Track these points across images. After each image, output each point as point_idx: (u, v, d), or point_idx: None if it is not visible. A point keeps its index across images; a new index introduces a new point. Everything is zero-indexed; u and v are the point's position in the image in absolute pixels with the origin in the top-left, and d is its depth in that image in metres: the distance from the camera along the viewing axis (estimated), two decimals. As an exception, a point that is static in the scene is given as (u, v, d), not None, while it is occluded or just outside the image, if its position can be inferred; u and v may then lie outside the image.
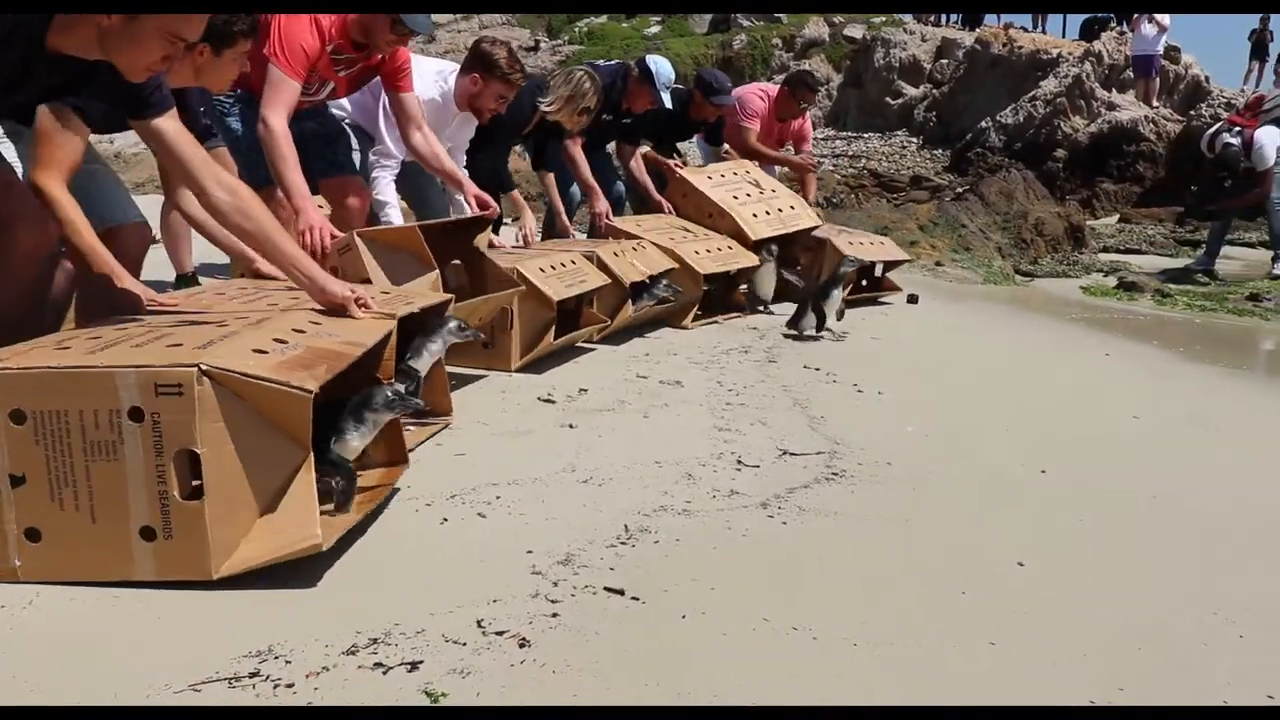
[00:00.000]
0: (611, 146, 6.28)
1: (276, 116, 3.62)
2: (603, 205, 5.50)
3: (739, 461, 3.15)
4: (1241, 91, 14.46)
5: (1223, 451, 3.67)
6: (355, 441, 2.34)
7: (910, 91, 18.78)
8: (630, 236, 5.28)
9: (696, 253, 5.34)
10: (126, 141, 13.96)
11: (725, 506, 2.76)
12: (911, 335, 5.55)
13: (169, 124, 2.62)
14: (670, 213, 5.95)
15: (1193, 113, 13.59)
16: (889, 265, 6.52)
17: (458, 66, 4.58)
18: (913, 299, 6.47)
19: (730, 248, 5.59)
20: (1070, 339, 5.89)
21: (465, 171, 4.49)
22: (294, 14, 3.72)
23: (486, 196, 4.22)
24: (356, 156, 4.45)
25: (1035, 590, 2.33)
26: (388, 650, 1.88)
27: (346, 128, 4.39)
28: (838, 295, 5.12)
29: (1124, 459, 3.46)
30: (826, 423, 3.62)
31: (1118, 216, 12.16)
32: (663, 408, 3.76)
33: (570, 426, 3.46)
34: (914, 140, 17.58)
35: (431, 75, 4.48)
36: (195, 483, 1.96)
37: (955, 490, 3.03)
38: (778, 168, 7.07)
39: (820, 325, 5.10)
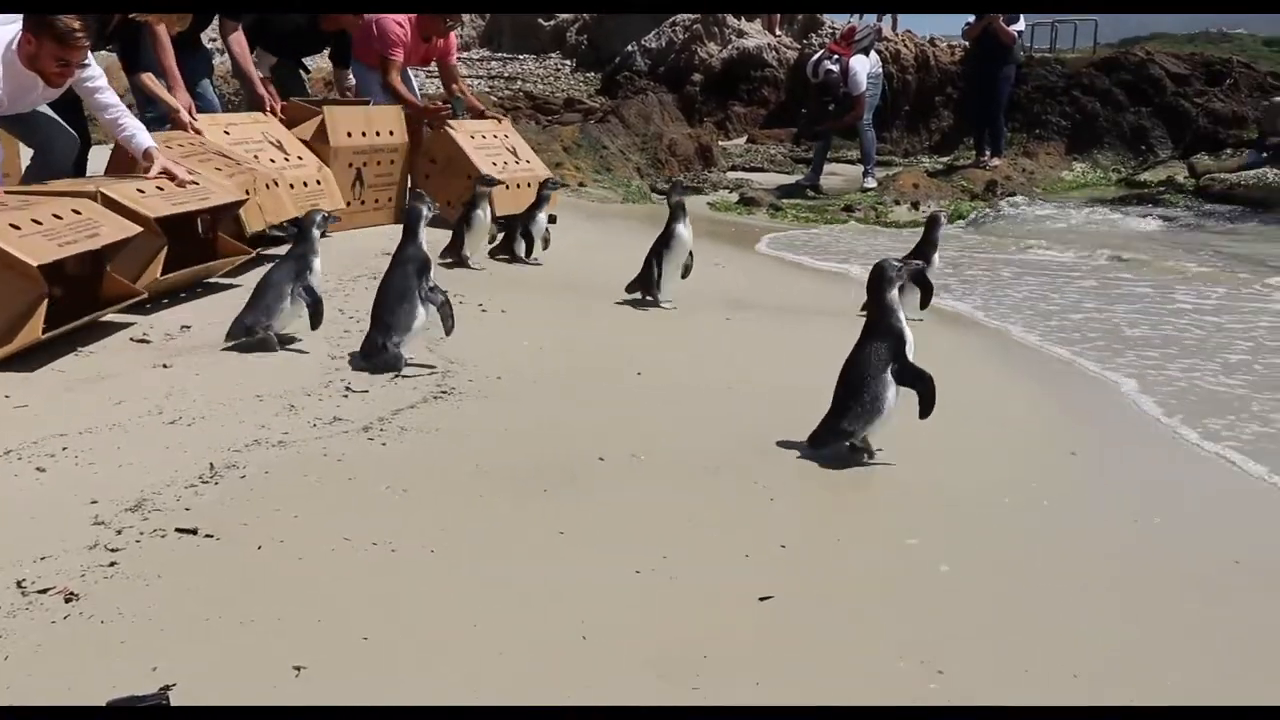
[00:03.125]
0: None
1: None
2: (184, 99, 4.98)
3: (348, 388, 3.12)
4: (848, 22, 16.08)
5: (792, 342, 4.19)
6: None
7: (562, 13, 18.95)
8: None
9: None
10: None
11: (325, 434, 2.73)
12: (547, 254, 5.72)
13: None
14: (274, 109, 5.54)
15: (805, 42, 14.95)
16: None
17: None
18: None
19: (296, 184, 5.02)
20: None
21: None
22: None
23: None
24: None
25: (610, 476, 2.55)
26: (-103, 628, 1.69)
27: None
28: (543, 220, 5.19)
29: (712, 355, 3.85)
30: (445, 342, 3.65)
31: (746, 137, 13.19)
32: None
33: (165, 366, 3.23)
34: (568, 63, 17.84)
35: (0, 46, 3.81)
36: None
37: (554, 395, 3.21)
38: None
39: (461, 246, 5.10)
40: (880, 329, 2.67)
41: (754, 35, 15.27)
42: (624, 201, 8.36)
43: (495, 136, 6.45)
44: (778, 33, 16.01)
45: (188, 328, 3.68)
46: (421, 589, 1.96)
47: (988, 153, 9.92)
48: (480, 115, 6.66)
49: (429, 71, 9.35)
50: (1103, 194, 9.54)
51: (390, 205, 6.02)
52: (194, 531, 2.10)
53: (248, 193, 4.51)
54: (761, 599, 1.97)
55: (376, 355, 3.28)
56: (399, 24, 6.34)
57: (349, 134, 5.76)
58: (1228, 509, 2.72)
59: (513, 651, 1.76)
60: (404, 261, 3.34)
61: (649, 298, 4.47)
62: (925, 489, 2.63)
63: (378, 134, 5.95)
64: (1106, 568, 2.24)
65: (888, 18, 16.78)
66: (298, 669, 1.65)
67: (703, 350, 3.94)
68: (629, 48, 16.27)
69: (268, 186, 4.75)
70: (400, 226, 5.45)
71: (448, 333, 3.36)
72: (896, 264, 2.73)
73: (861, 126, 9.47)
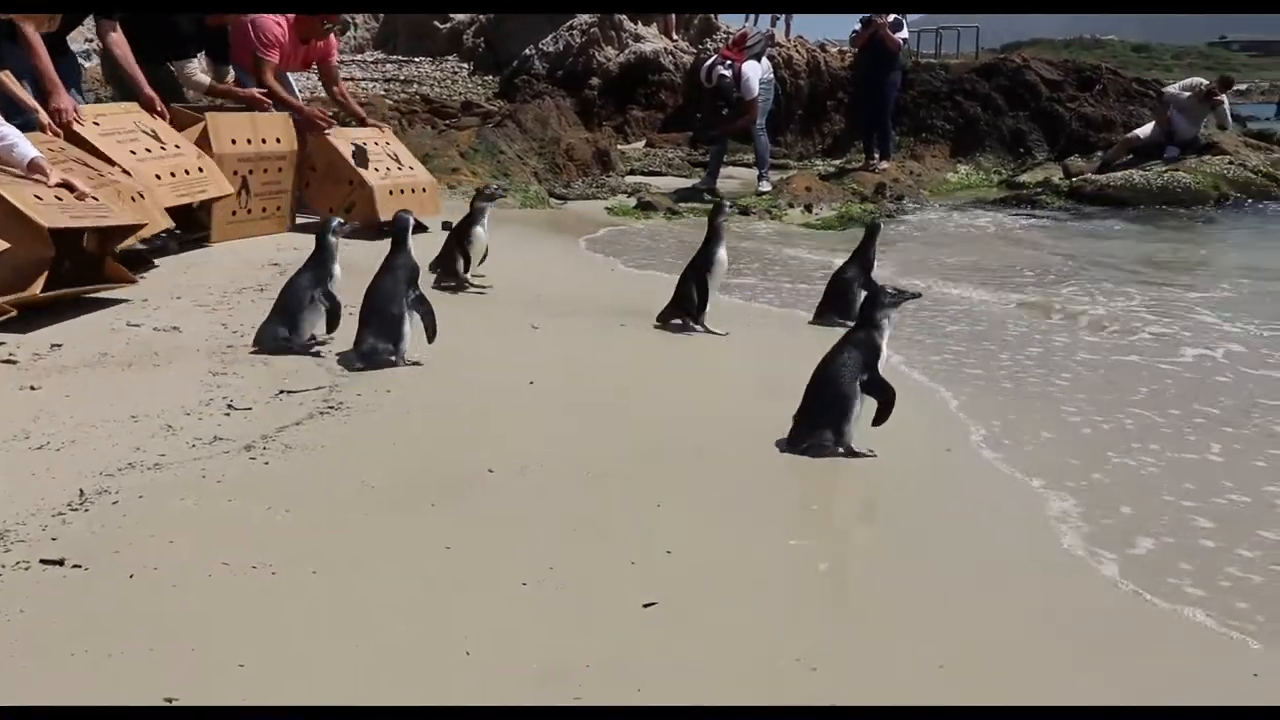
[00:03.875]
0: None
1: None
2: (66, 101, 4.74)
3: (230, 406, 3.04)
4: (741, 26, 16.34)
5: (677, 350, 4.25)
6: None
7: (458, 15, 18.75)
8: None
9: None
10: None
11: (204, 455, 2.66)
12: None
13: None
14: (161, 112, 5.33)
15: (701, 46, 15.14)
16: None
17: None
18: (446, 226, 6.58)
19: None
20: (583, 258, 6.40)
21: None
22: None
23: None
24: None
25: (499, 489, 2.56)
26: None
27: None
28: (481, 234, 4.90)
29: (603, 365, 3.87)
30: (331, 356, 3.60)
31: (645, 141, 13.30)
32: (152, 357, 3.50)
33: (32, 388, 3.10)
34: (465, 66, 17.65)
35: None
36: None
37: (445, 408, 3.20)
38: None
39: (467, 266, 4.94)
40: (859, 340, 2.87)
41: (651, 39, 15.39)
42: (522, 207, 8.32)
43: (376, 144, 6.36)
44: (674, 36, 16.16)
45: (58, 346, 3.53)
46: (302, 611, 1.94)
47: (876, 156, 10.22)
48: (362, 122, 6.60)
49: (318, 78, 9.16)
50: (985, 195, 9.94)
51: (279, 214, 5.87)
52: (60, 562, 2.03)
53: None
54: (645, 605, 2.01)
55: (372, 356, 3.44)
56: (277, 24, 6.18)
57: (233, 141, 5.60)
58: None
59: (393, 670, 1.75)
60: (394, 268, 3.53)
61: (691, 324, 4.27)
62: (806, 490, 2.72)
63: (264, 141, 5.79)
64: (969, 565, 2.36)
65: (781, 22, 17.11)
66: (169, 700, 1.61)
67: (594, 360, 3.96)
68: (527, 51, 16.21)
69: (134, 199, 4.54)
70: (293, 235, 5.32)
71: (430, 340, 3.51)
72: (893, 291, 2.97)
73: (755, 131, 9.65)
